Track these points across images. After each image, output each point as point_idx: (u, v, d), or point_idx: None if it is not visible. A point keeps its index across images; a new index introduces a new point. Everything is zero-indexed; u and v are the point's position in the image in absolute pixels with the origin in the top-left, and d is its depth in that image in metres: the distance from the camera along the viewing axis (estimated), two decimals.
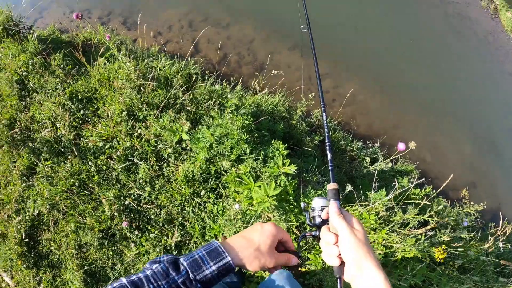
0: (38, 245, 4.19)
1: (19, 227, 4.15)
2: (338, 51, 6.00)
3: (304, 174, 3.73)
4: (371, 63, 6.10)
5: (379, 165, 4.15)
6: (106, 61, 4.24)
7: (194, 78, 4.39)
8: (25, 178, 4.35)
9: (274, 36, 6.07)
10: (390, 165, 4.20)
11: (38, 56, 4.60)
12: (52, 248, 4.11)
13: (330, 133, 4.50)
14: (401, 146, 3.58)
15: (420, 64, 6.49)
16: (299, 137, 4.01)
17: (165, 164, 3.71)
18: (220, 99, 3.82)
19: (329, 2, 6.74)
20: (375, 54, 6.25)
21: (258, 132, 3.65)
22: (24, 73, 4.60)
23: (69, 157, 4.09)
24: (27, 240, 4.13)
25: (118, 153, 3.77)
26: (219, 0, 6.79)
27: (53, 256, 4.12)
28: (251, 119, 3.54)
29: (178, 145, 3.65)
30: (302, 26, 3.18)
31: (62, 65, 4.45)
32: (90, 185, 3.95)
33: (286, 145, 3.52)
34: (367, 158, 4.37)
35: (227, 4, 6.69)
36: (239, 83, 4.45)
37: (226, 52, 5.88)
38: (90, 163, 3.94)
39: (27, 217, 4.19)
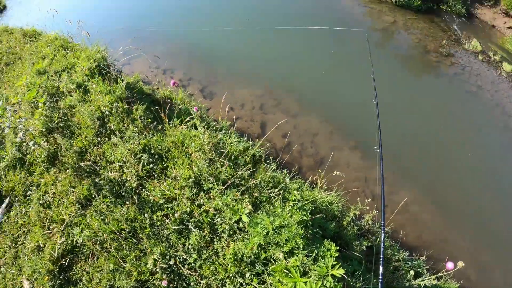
0: (70, 271, 4.32)
1: (59, 247, 4.32)
2: (396, 158, 6.09)
3: (348, 279, 3.72)
4: (428, 174, 6.14)
5: (423, 280, 4.08)
6: (184, 127, 4.53)
7: (258, 159, 4.59)
8: (79, 206, 4.60)
9: (338, 133, 6.39)
10: (434, 282, 4.12)
11: (123, 102, 4.99)
12: (83, 278, 4.21)
13: (378, 240, 4.48)
14: (449, 265, 3.53)
15: (477, 179, 6.45)
16: (347, 239, 4.04)
17: (217, 238, 3.84)
18: (284, 192, 3.95)
19: (395, 115, 6.88)
20: (433, 166, 6.29)
21: (312, 229, 3.73)
22: (107, 112, 5.00)
23: (127, 203, 4.31)
24: (62, 262, 4.26)
25: (175, 214, 3.95)
26: (292, 89, 7.24)
27: (81, 286, 4.20)
28: (309, 215, 3.64)
29: (235, 224, 3.77)
30: (375, 147, 3.36)
31: (142, 117, 4.80)
32: (140, 235, 4.12)
33: (338, 247, 3.57)
34: (412, 272, 4.31)
35: (299, 95, 7.19)
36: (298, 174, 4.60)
37: (291, 140, 6.23)
38: (146, 215, 4.13)
39: (69, 241, 4.37)
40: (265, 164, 4.80)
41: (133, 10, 12.51)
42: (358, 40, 8.37)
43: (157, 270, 3.89)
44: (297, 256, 3.53)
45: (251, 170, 4.34)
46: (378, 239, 4.39)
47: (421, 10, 9.91)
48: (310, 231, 3.71)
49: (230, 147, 4.41)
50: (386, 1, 10.18)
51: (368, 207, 4.36)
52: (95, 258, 4.28)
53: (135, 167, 4.40)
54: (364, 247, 4.17)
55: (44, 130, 5.39)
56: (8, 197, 5.23)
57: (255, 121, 6.65)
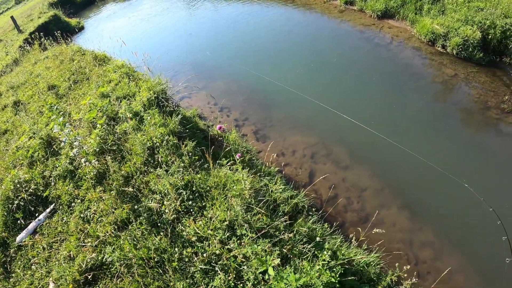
0: (94, 285, 4.65)
1: (88, 260, 4.64)
2: (445, 221, 5.69)
3: None
4: (476, 243, 5.53)
5: None
6: (228, 169, 4.79)
7: (300, 209, 4.69)
8: (116, 227, 4.97)
9: (388, 189, 6.34)
10: None
11: (174, 136, 5.40)
12: None
13: None
14: None
15: None
16: None
17: (241, 285, 3.97)
18: (318, 249, 4.02)
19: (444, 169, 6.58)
20: (483, 236, 5.65)
21: None
22: (157, 144, 5.45)
23: (161, 233, 4.64)
24: (88, 275, 4.54)
25: (205, 254, 4.15)
26: (346, 143, 7.40)
27: None
28: (338, 278, 3.66)
29: (261, 274, 3.87)
30: (507, 259, 3.48)
31: (190, 153, 5.14)
32: (167, 267, 4.32)
33: None
34: None
35: (352, 148, 7.27)
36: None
37: (338, 193, 6.35)
38: (176, 249, 4.40)
39: (99, 258, 4.70)
40: (306, 215, 4.89)
41: (199, 47, 13.78)
42: (422, 96, 8.49)
43: None
44: None
45: (289, 222, 4.46)
46: None
47: (483, 63, 9.69)
48: None
49: (273, 194, 4.57)
50: (447, 53, 10.16)
51: (406, 275, 4.21)
52: (120, 279, 4.50)
53: (175, 201, 4.70)
54: None
55: (97, 150, 5.95)
56: (53, 204, 5.80)
57: (303, 169, 6.85)
